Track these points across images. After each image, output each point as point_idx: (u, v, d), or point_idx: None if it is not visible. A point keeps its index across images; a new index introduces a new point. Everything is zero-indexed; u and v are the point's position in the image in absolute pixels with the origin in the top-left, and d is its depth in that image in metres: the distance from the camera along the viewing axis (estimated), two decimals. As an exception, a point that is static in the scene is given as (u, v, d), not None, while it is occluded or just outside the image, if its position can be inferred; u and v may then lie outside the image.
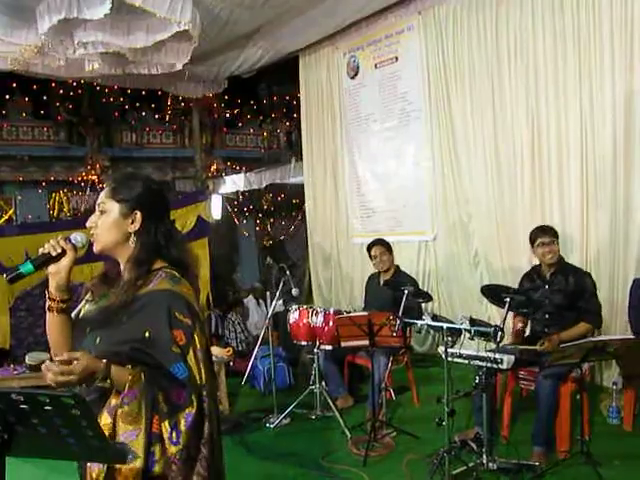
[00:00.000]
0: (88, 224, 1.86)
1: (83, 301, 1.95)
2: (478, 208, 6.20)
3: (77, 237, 1.85)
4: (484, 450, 3.76)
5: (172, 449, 1.62)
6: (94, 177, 10.06)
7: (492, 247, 6.07)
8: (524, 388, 4.58)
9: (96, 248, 1.86)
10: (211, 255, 9.30)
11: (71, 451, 1.45)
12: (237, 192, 10.26)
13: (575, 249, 5.38)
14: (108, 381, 1.62)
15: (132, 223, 1.85)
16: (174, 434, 1.62)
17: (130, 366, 1.64)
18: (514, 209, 5.82)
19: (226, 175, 10.52)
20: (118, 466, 1.59)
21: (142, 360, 1.67)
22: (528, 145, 5.70)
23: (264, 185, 9.03)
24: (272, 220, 12.06)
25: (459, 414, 4.40)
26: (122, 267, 1.88)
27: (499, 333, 3.38)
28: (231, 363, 6.23)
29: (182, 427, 1.63)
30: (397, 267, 5.49)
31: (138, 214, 1.85)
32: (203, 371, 1.72)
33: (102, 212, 1.86)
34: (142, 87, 9.36)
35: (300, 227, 10.22)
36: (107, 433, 1.60)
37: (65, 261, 1.80)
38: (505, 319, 3.62)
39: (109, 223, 1.84)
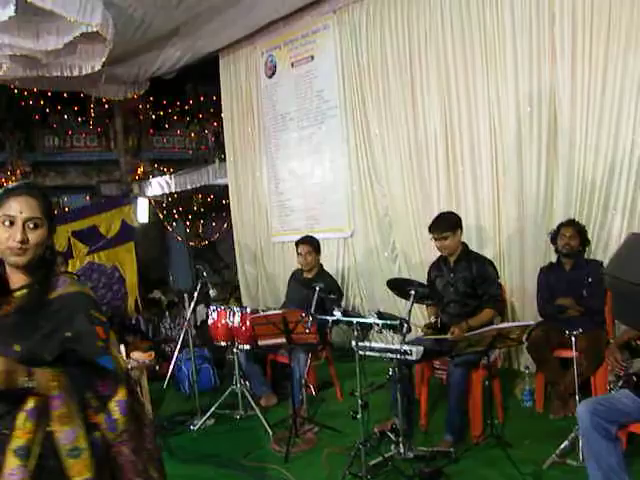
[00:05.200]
0: (19, 239, 1.76)
1: None
2: (394, 203, 6.32)
3: None
4: (400, 440, 3.87)
5: (110, 435, 1.74)
6: (15, 183, 9.76)
7: (409, 241, 6.20)
8: (443, 377, 4.72)
9: (22, 262, 1.79)
10: (140, 259, 9.22)
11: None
12: (165, 194, 10.12)
13: (489, 241, 5.59)
14: (33, 382, 1.64)
15: (50, 236, 1.88)
16: (110, 423, 1.74)
17: (51, 369, 1.69)
18: (430, 202, 5.95)
19: (153, 177, 10.38)
20: (68, 463, 1.68)
21: (68, 358, 1.74)
22: (442, 140, 5.85)
23: (189, 187, 8.94)
24: (202, 222, 11.97)
25: (380, 406, 4.51)
26: (14, 274, 1.84)
27: (405, 325, 3.48)
28: (157, 367, 6.16)
29: (116, 415, 1.75)
30: (321, 266, 5.55)
31: (55, 228, 1.91)
32: (122, 362, 1.85)
33: (35, 226, 1.80)
34: (62, 89, 9.15)
35: (231, 228, 10.16)
36: (27, 437, 1.67)
37: None
38: (410, 311, 3.72)
39: (42, 238, 1.82)
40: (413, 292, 3.67)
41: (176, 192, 9.69)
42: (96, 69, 6.65)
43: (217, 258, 11.96)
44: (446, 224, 4.43)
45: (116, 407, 1.75)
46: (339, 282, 6.64)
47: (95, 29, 5.32)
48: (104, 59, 6.36)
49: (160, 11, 6.13)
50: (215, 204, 11.32)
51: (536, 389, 4.66)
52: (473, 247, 5.45)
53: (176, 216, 11.41)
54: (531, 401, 4.72)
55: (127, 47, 7.04)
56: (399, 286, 4.02)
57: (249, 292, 8.22)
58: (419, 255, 6.05)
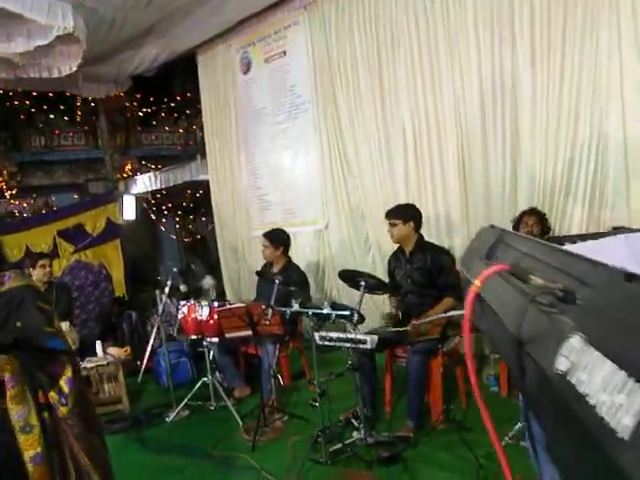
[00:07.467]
0: None
1: None
2: (366, 194, 6.40)
3: None
4: (362, 426, 3.99)
5: (63, 410, 1.96)
6: (1, 184, 9.88)
7: (382, 231, 6.22)
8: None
9: None
10: (129, 256, 9.32)
11: None
12: (152, 191, 10.18)
13: (457, 230, 5.67)
14: None
15: None
16: (62, 398, 1.96)
17: (5, 355, 1.90)
18: (400, 193, 6.03)
19: (141, 174, 10.45)
20: (21, 439, 1.89)
21: (21, 344, 1.94)
22: (410, 131, 5.91)
23: (172, 184, 9.03)
24: (192, 217, 12.06)
25: (349, 394, 4.63)
26: None
27: (356, 315, 3.59)
28: (138, 362, 6.29)
29: (66, 390, 1.96)
30: (288, 260, 5.64)
31: None
32: (69, 343, 2.11)
33: None
34: (45, 90, 9.25)
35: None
36: None
37: None
38: (361, 301, 3.83)
39: None
40: (363, 283, 3.78)
41: (164, 188, 9.75)
42: (73, 70, 6.75)
43: (209, 253, 12.05)
44: (397, 213, 4.59)
45: (65, 384, 1.96)
46: (315, 274, 6.77)
47: (67, 31, 5.42)
48: (79, 60, 6.46)
49: (130, 11, 6.21)
50: (204, 199, 11.39)
51: (500, 374, 4.77)
52: (442, 236, 5.59)
53: (166, 212, 11.51)
54: (496, 386, 4.83)
55: (103, 47, 7.13)
56: (350, 277, 4.13)
57: (232, 286, 8.33)
58: (392, 246, 6.11)
